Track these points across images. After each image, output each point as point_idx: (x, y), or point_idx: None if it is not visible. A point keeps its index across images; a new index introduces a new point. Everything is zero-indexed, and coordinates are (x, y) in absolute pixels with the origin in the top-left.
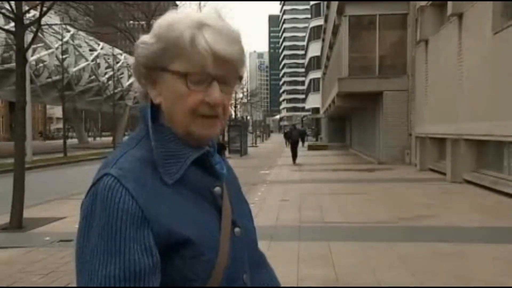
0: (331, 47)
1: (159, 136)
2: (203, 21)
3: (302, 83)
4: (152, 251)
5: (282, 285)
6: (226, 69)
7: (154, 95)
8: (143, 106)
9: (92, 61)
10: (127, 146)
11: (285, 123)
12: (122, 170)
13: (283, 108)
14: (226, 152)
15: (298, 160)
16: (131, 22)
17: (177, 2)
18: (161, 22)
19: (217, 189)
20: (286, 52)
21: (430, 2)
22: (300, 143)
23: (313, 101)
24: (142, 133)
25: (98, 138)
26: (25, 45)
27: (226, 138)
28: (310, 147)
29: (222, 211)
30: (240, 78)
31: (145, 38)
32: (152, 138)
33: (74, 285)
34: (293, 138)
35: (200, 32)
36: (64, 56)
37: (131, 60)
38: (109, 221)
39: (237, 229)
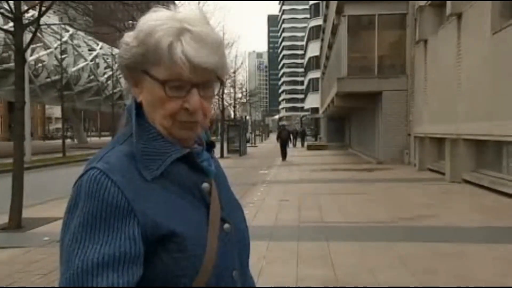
0: (330, 47)
1: (143, 134)
2: (184, 26)
3: (301, 83)
4: (137, 240)
5: (280, 285)
6: (206, 76)
7: (136, 93)
8: (129, 104)
9: (91, 61)
10: (115, 143)
11: (284, 123)
12: (108, 164)
13: (282, 108)
14: (225, 152)
15: (298, 159)
16: (130, 22)
17: (176, 2)
18: (143, 26)
19: (205, 185)
20: (285, 52)
21: (429, 2)
22: (290, 143)
23: (312, 101)
24: (130, 131)
25: (95, 138)
26: (24, 45)
27: (225, 138)
28: (309, 147)
29: (211, 207)
30: (222, 81)
31: (127, 38)
32: (134, 135)
33: None
34: (283, 138)
35: (178, 40)
36: (63, 56)
37: None
38: (93, 210)
39: (226, 226)
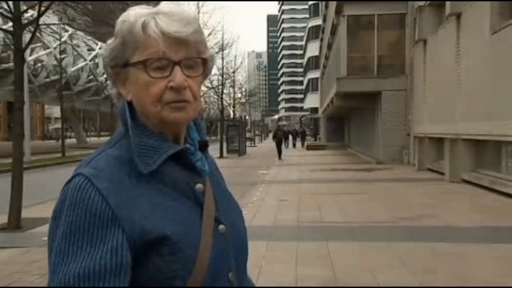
0: (329, 47)
1: (138, 132)
2: (157, 10)
3: (301, 83)
4: (118, 251)
5: (280, 285)
6: (186, 52)
7: (125, 93)
8: (121, 107)
9: (91, 61)
10: (105, 146)
11: (284, 123)
12: (95, 169)
13: (282, 108)
14: (225, 152)
15: (297, 159)
16: None
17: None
18: (118, 20)
19: (199, 185)
20: (284, 52)
21: (429, 2)
22: (289, 143)
23: (312, 101)
24: (121, 134)
25: (95, 138)
26: (23, 45)
27: (225, 138)
28: (309, 147)
29: (204, 208)
30: (204, 61)
31: (108, 40)
32: (130, 131)
33: None
34: (278, 138)
35: (152, 19)
36: (62, 56)
37: None
38: (76, 220)
39: (221, 226)
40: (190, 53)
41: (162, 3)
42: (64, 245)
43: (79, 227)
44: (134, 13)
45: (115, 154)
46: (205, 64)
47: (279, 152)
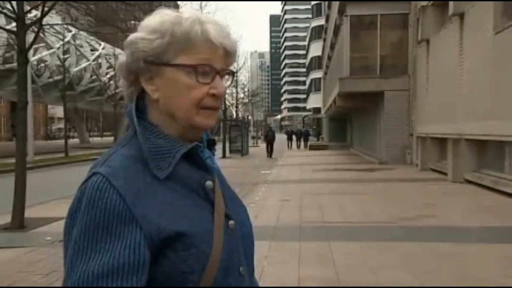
0: (332, 47)
1: (147, 133)
2: (201, 18)
3: (303, 83)
4: (137, 249)
5: (282, 285)
6: (226, 63)
7: (151, 90)
8: (129, 107)
9: (94, 61)
10: (118, 146)
11: (286, 123)
12: (111, 168)
13: (284, 108)
14: (227, 152)
15: (299, 159)
16: (132, 22)
17: (179, 2)
18: (162, 19)
19: (209, 183)
20: (287, 52)
21: (431, 2)
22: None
23: (314, 101)
24: (131, 133)
25: (98, 138)
26: (27, 45)
27: (228, 138)
28: (311, 147)
29: (215, 204)
30: (232, 73)
31: (141, 34)
32: (139, 135)
33: None
34: (269, 138)
35: (206, 26)
36: (65, 56)
37: None
38: (94, 219)
39: (231, 222)
40: (228, 65)
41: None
42: (82, 243)
43: (97, 225)
44: (189, 17)
45: (127, 153)
46: (233, 76)
47: (271, 151)
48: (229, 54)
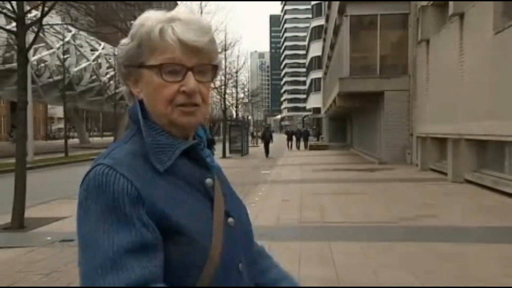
0: (332, 47)
1: (150, 130)
2: (174, 16)
3: (303, 83)
4: (153, 227)
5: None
6: (199, 58)
7: (136, 92)
8: (132, 107)
9: (93, 61)
10: (119, 142)
11: (286, 123)
12: (114, 159)
13: (284, 108)
14: (227, 152)
15: (299, 159)
16: (132, 22)
17: (178, 2)
18: (135, 22)
19: (209, 180)
20: (287, 52)
21: (431, 2)
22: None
23: (314, 101)
24: (133, 132)
25: (98, 138)
26: (27, 45)
27: (227, 138)
28: (311, 147)
29: (215, 201)
30: (215, 67)
31: (123, 40)
32: (143, 130)
33: (75, 284)
34: (266, 138)
35: (169, 25)
36: (65, 56)
37: None
38: (108, 201)
39: (230, 219)
40: (203, 60)
41: (177, 8)
42: (102, 225)
43: (110, 207)
44: (152, 18)
45: (130, 149)
46: (215, 70)
47: (267, 150)
48: (198, 49)
